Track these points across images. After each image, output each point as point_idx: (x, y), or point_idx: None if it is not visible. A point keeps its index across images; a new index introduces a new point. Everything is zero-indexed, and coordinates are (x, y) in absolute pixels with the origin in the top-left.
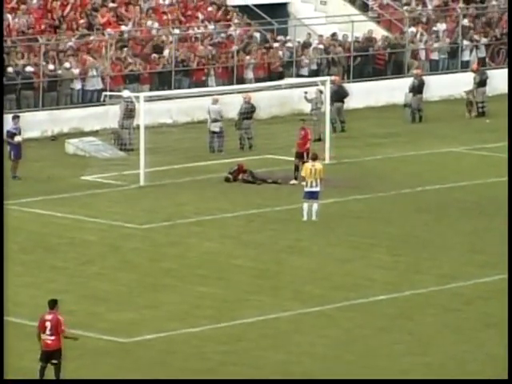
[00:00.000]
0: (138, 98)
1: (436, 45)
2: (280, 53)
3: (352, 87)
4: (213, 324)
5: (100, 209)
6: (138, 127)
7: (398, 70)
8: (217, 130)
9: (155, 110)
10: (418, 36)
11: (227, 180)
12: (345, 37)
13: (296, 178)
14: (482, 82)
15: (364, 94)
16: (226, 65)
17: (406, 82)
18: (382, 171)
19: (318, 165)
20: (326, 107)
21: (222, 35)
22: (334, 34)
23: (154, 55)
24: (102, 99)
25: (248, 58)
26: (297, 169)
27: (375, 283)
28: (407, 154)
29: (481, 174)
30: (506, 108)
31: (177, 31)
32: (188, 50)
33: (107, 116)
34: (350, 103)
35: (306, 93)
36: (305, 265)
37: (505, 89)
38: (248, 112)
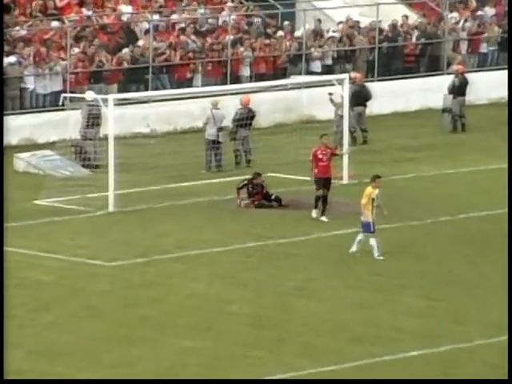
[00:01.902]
0: (105, 100)
1: (484, 34)
2: (285, 44)
3: (376, 87)
4: None
5: (58, 241)
6: (105, 138)
7: (435, 66)
8: (221, 140)
9: (128, 116)
10: (461, 23)
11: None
12: (368, 24)
13: (322, 212)
14: None
15: (391, 95)
16: (218, 59)
17: (445, 81)
18: (413, 193)
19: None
20: (344, 113)
21: (212, 21)
22: (352, 20)
23: (126, 48)
24: (60, 103)
25: (242, 49)
26: (320, 199)
27: (405, 335)
28: (446, 172)
29: None
30: None
31: (155, 17)
32: (169, 41)
33: (67, 124)
34: (374, 108)
35: (331, 94)
36: (316, 311)
37: None
38: (245, 119)
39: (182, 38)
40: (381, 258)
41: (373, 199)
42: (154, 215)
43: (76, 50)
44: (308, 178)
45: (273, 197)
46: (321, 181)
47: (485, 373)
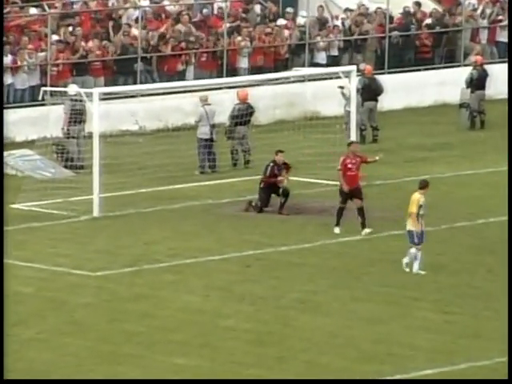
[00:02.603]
0: (90, 95)
1: (504, 21)
2: (286, 33)
3: (387, 80)
4: None
5: (38, 250)
6: (90, 136)
7: (451, 58)
8: (215, 138)
9: (114, 112)
10: (480, 9)
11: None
12: (378, 10)
13: (364, 225)
14: None
15: (403, 89)
16: (213, 49)
17: (462, 74)
18: (427, 197)
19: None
20: (352, 108)
21: (206, 10)
22: (361, 7)
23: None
24: (40, 97)
25: (240, 39)
26: (342, 212)
27: (419, 352)
28: (463, 174)
29: None
30: None
31: (145, 3)
32: (160, 30)
33: (47, 121)
34: (384, 103)
35: (342, 87)
36: (321, 326)
37: None
38: (243, 115)
39: (174, 26)
40: (421, 272)
41: (420, 206)
42: (143, 221)
43: (56, 37)
44: (323, 181)
45: (280, 190)
46: (349, 191)
47: None
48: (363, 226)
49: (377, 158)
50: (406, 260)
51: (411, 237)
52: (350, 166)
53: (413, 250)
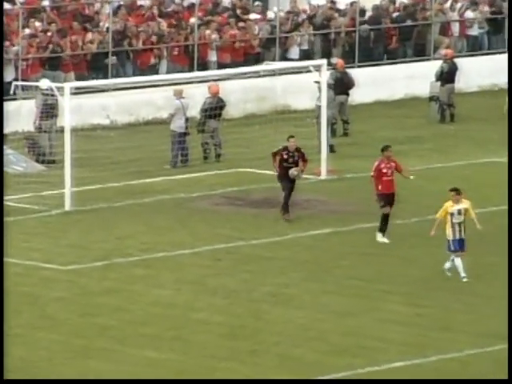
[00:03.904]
0: (61, 89)
1: (473, 15)
2: (257, 27)
3: (357, 74)
4: None
5: (10, 244)
6: (61, 130)
7: (421, 51)
8: (188, 132)
9: (86, 106)
10: (449, 3)
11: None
12: (349, 5)
13: (382, 231)
14: None
15: (374, 83)
16: (184, 43)
17: (432, 68)
18: (398, 190)
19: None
20: (322, 102)
21: (178, 1)
22: (332, 1)
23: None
24: (11, 92)
25: (210, 33)
26: (385, 220)
27: (389, 345)
28: (434, 167)
29: None
30: None
31: None
32: (130, 24)
33: (19, 115)
34: (355, 96)
35: (318, 82)
36: (293, 320)
37: None
38: (214, 109)
39: (145, 20)
40: (464, 279)
41: (451, 214)
42: (114, 215)
43: (27, 30)
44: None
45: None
46: (386, 197)
47: None
48: (383, 232)
49: (411, 177)
50: (447, 265)
51: (447, 244)
52: (385, 170)
53: (451, 258)
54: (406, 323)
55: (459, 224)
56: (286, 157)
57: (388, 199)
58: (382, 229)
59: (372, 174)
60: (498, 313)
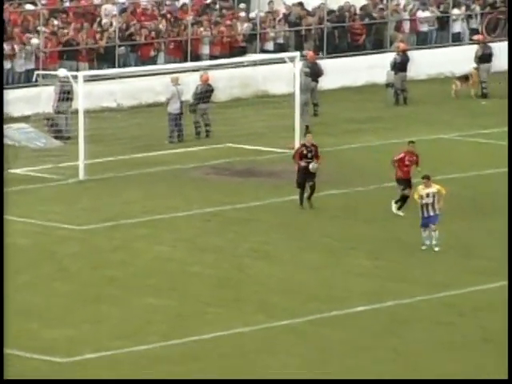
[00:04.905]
0: (76, 77)
1: (422, 14)
2: (244, 25)
3: (325, 65)
4: (164, 341)
5: (32, 207)
6: (76, 112)
7: (379, 45)
8: (183, 113)
9: (96, 91)
10: (402, 4)
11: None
12: (317, 6)
13: (400, 207)
14: (485, 57)
15: (339, 72)
16: (179, 38)
17: (388, 59)
18: (360, 162)
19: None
20: (296, 88)
21: (173, 4)
22: (302, 3)
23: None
24: (33, 79)
25: (202, 30)
26: (404, 200)
27: (353, 293)
28: (390, 142)
29: (476, 164)
30: (506, 87)
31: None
32: (135, 22)
33: (40, 99)
34: (324, 83)
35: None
36: (272, 272)
37: (504, 65)
38: (205, 94)
39: (147, 19)
40: (436, 248)
41: (421, 196)
42: (121, 183)
43: (46, 30)
44: (272, 149)
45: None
46: (403, 181)
47: (426, 327)
48: (400, 208)
49: (418, 169)
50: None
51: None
52: (407, 162)
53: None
54: (367, 275)
55: (427, 205)
56: (305, 152)
57: (406, 184)
58: (401, 205)
59: (395, 159)
60: (448, 267)
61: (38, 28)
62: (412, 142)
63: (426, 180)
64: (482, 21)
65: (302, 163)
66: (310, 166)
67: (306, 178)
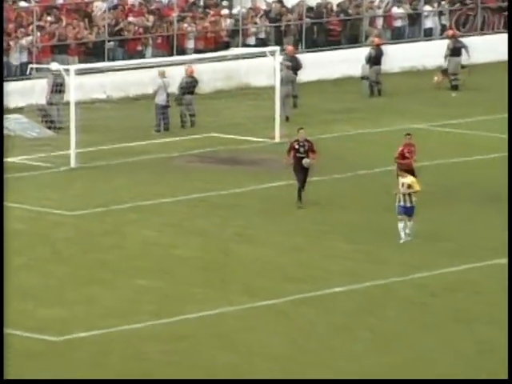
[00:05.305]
0: (67, 71)
1: (397, 10)
2: (227, 21)
3: (304, 58)
4: (153, 321)
5: (27, 194)
6: (67, 103)
7: (354, 40)
8: (170, 104)
9: (87, 84)
10: (377, 1)
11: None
12: (296, 3)
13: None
14: (455, 51)
15: (317, 65)
16: (166, 34)
17: (363, 53)
18: (337, 151)
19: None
20: (276, 80)
21: (160, 1)
22: (282, 1)
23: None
24: (27, 72)
25: (186, 25)
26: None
27: (331, 274)
28: (365, 132)
29: (446, 153)
30: (475, 80)
31: None
32: (123, 18)
33: (34, 91)
34: (302, 76)
35: (288, 66)
36: (254, 255)
37: (474, 59)
38: (190, 86)
39: (135, 15)
40: (408, 238)
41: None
42: (110, 171)
43: (40, 24)
44: (254, 139)
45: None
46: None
47: (400, 306)
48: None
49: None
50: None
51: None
52: (407, 154)
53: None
54: (345, 257)
55: (404, 195)
56: (297, 147)
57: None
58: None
59: (396, 156)
60: (420, 250)
61: (32, 25)
62: (408, 134)
63: (404, 171)
64: (452, 17)
65: (294, 157)
66: (303, 161)
67: (302, 173)
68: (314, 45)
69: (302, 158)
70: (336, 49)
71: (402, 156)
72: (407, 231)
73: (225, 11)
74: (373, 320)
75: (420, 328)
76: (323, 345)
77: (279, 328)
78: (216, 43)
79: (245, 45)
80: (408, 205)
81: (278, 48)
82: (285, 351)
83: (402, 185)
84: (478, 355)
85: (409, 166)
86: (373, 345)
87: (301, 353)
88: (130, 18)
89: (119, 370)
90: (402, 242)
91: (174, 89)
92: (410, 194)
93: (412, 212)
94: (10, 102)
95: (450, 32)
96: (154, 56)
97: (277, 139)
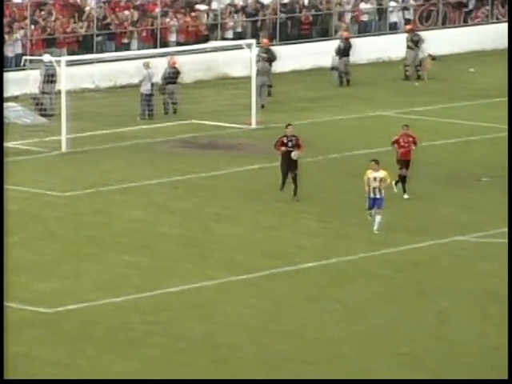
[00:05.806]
0: (59, 62)
1: (364, 6)
2: (205, 16)
3: (278, 50)
4: (138, 294)
5: (21, 176)
6: (59, 92)
7: (325, 33)
8: (154, 93)
9: (77, 74)
10: None
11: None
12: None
13: (404, 190)
14: (414, 44)
15: (291, 57)
16: (151, 27)
17: (333, 45)
18: (309, 136)
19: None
20: (252, 71)
21: None
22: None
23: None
24: (22, 64)
25: (169, 20)
26: (402, 180)
27: (303, 251)
28: (335, 119)
29: None
30: (437, 70)
31: None
32: (111, 12)
33: (28, 81)
34: (277, 67)
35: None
36: (232, 232)
37: (436, 51)
38: (172, 77)
39: (121, 10)
40: (376, 232)
41: (369, 179)
42: (99, 155)
43: (35, 18)
44: (232, 125)
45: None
46: (402, 162)
47: (367, 280)
48: (404, 191)
49: (413, 147)
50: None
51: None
52: (402, 143)
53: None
54: (316, 234)
55: (374, 188)
56: (285, 141)
57: (404, 164)
58: (404, 188)
59: (392, 140)
60: (386, 228)
61: (26, 19)
62: (406, 125)
63: (375, 164)
64: (415, 12)
65: (283, 149)
66: (292, 153)
67: (289, 166)
68: (287, 38)
69: (291, 151)
70: (308, 42)
71: (399, 144)
72: (375, 228)
73: (204, 7)
74: (341, 293)
75: (385, 300)
76: (295, 315)
77: (254, 300)
78: (197, 36)
79: (223, 38)
80: (378, 196)
81: (254, 41)
82: (258, 322)
83: (375, 179)
84: (438, 325)
85: (404, 156)
86: (341, 315)
87: (274, 323)
88: (117, 13)
89: (106, 340)
90: (377, 233)
91: (157, 79)
92: (380, 187)
93: (381, 203)
94: (6, 91)
95: (408, 26)
96: (139, 48)
97: (253, 125)
